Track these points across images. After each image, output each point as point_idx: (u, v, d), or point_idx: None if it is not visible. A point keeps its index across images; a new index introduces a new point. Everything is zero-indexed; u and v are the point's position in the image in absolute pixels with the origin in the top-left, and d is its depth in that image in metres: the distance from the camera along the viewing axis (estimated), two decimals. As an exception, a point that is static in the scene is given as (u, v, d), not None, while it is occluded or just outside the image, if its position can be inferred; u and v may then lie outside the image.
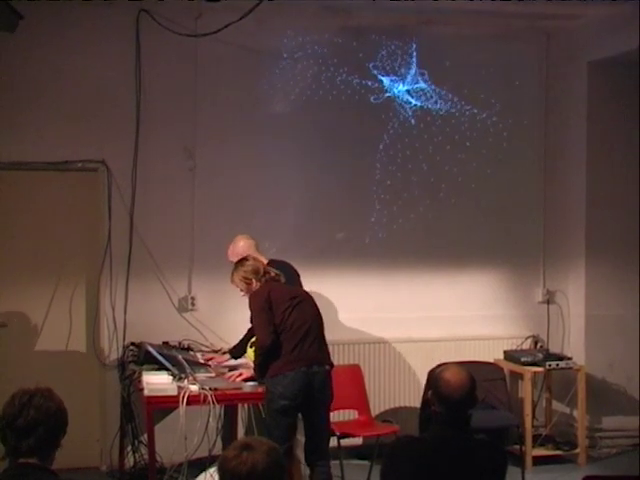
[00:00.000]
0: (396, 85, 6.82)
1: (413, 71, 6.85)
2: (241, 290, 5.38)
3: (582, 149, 7.08)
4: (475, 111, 7.00)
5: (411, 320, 6.86)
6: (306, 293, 5.43)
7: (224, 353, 6.05)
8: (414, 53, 6.83)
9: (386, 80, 6.80)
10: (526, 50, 7.17)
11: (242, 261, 5.41)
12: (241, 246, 5.90)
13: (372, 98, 6.78)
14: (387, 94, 6.82)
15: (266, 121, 6.63)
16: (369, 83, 6.78)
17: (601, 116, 7.05)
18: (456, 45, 6.90)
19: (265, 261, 5.67)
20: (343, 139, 6.81)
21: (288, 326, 5.12)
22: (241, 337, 5.87)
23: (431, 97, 6.91)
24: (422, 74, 6.88)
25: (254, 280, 5.29)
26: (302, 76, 6.67)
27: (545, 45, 7.16)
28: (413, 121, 6.88)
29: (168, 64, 6.43)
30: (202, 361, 5.87)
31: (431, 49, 6.86)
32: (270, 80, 6.60)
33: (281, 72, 6.62)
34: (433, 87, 6.90)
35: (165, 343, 6.15)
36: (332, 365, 5.28)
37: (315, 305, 5.33)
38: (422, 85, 6.88)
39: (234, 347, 5.92)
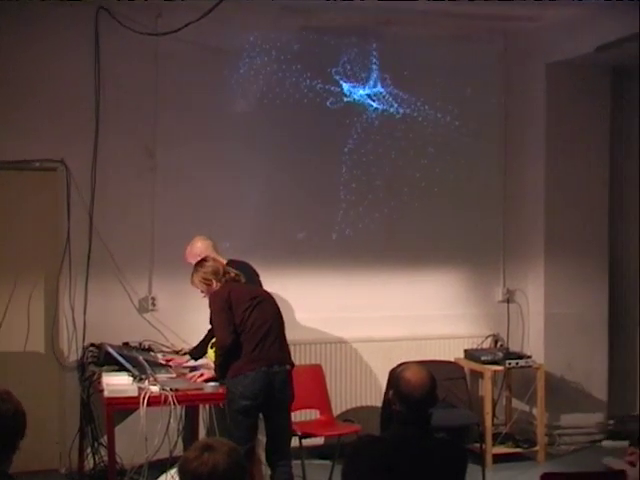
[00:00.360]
0: (357, 89, 6.85)
1: (374, 73, 6.88)
2: (201, 291, 5.37)
3: (541, 150, 7.14)
4: (436, 114, 7.05)
5: (372, 320, 6.87)
6: (266, 293, 5.43)
7: (184, 354, 6.03)
8: (374, 53, 6.87)
9: (346, 84, 6.82)
10: (485, 51, 7.20)
11: (201, 262, 5.40)
12: (199, 247, 5.88)
13: (334, 101, 6.80)
14: (348, 97, 6.84)
15: (228, 121, 6.61)
16: (331, 86, 6.80)
17: (559, 117, 7.11)
18: (416, 46, 6.93)
19: (224, 261, 5.66)
20: (306, 140, 6.81)
21: (248, 326, 5.11)
22: (202, 338, 5.85)
23: (392, 100, 6.95)
24: (383, 77, 6.92)
25: (214, 281, 5.28)
26: (264, 76, 6.67)
27: (503, 46, 7.21)
28: (376, 124, 6.92)
29: (128, 63, 6.37)
30: (162, 362, 5.85)
31: (391, 51, 6.90)
32: (232, 80, 6.59)
33: (243, 72, 6.61)
34: (394, 90, 6.94)
35: (125, 344, 6.12)
36: (293, 365, 5.29)
37: (276, 305, 5.34)
38: (383, 88, 6.91)
39: (194, 348, 5.91)
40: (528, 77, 7.20)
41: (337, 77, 6.82)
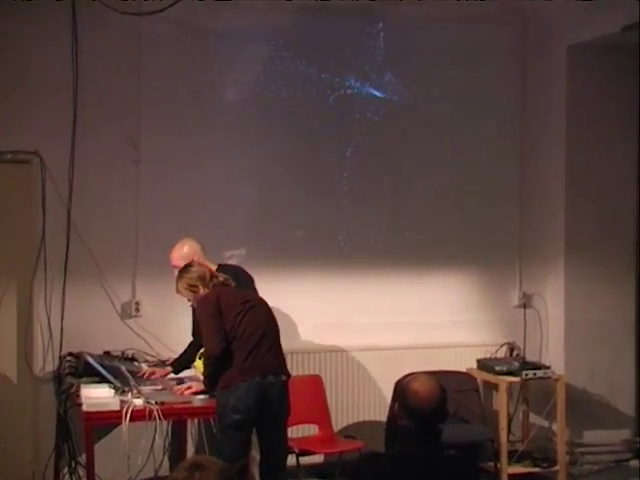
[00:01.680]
0: (360, 75, 6.83)
1: (379, 57, 6.88)
2: (188, 300, 5.34)
3: (561, 140, 7.14)
4: (445, 103, 7.05)
5: (376, 326, 6.86)
6: (259, 297, 5.43)
7: (168, 365, 5.96)
8: (381, 35, 6.83)
9: (349, 69, 6.80)
10: (500, 33, 7.22)
11: (186, 267, 5.39)
12: (186, 250, 5.83)
13: (335, 87, 6.80)
14: (350, 84, 6.83)
15: (218, 110, 6.61)
16: (331, 72, 6.80)
17: (581, 105, 7.11)
18: (425, 28, 6.96)
19: (214, 267, 5.66)
20: (303, 132, 6.82)
21: (240, 333, 5.09)
22: (185, 349, 5.82)
23: (398, 88, 6.94)
24: (389, 59, 6.92)
25: (201, 287, 5.27)
26: (258, 61, 6.68)
27: (521, 28, 7.21)
28: (380, 113, 6.93)
29: (109, 45, 6.35)
30: (145, 375, 5.84)
31: (399, 32, 6.90)
32: (222, 64, 6.60)
33: (234, 56, 6.60)
34: (400, 76, 6.93)
35: (106, 353, 6.11)
36: (289, 375, 5.27)
37: (269, 310, 5.32)
38: (389, 71, 6.91)
39: (176, 360, 5.88)
40: (547, 61, 7.20)
41: (338, 62, 6.80)
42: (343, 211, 6.90)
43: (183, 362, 5.80)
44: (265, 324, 5.18)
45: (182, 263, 5.57)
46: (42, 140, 6.19)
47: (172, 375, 5.84)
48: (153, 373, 5.87)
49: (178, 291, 5.35)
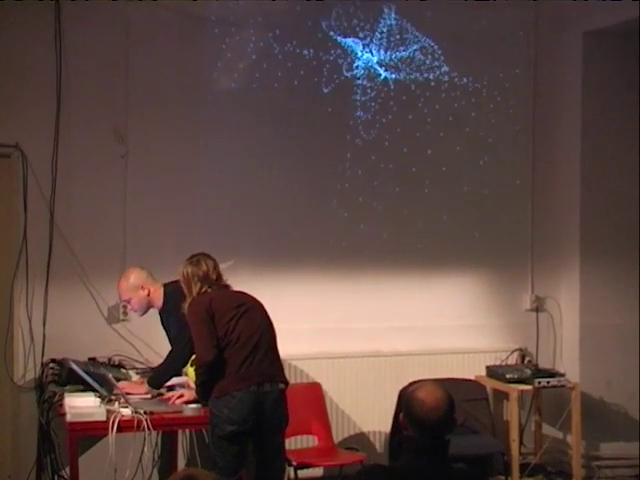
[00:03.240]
0: (363, 54, 6.84)
1: (385, 40, 6.87)
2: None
3: (576, 133, 7.16)
4: (453, 93, 7.06)
5: (379, 331, 6.88)
6: (254, 299, 5.39)
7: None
8: (392, 15, 6.83)
9: (351, 45, 6.81)
10: (513, 18, 7.23)
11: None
12: (132, 281, 5.84)
13: (334, 76, 6.81)
14: (352, 66, 6.83)
15: (210, 101, 6.61)
16: (330, 56, 6.80)
17: (598, 93, 7.14)
18: (432, 13, 6.95)
19: (160, 289, 5.78)
20: (301, 124, 6.82)
21: (234, 339, 5.09)
22: (161, 361, 5.71)
23: (404, 74, 6.94)
24: (396, 44, 6.91)
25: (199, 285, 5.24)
26: (252, 47, 6.67)
27: (534, 13, 7.23)
28: (385, 101, 6.93)
29: (95, 33, 6.35)
30: (135, 380, 5.83)
31: (406, 16, 6.90)
32: (214, 52, 6.59)
33: (227, 43, 6.61)
34: (406, 62, 6.94)
35: (92, 359, 6.10)
36: (287, 383, 5.26)
37: (265, 313, 5.31)
38: (394, 55, 6.91)
39: (151, 377, 5.65)
40: (562, 47, 7.23)
41: (338, 49, 6.81)
42: (345, 211, 6.90)
43: (160, 377, 5.59)
44: (261, 329, 5.18)
45: (132, 295, 5.74)
46: (23, 133, 6.18)
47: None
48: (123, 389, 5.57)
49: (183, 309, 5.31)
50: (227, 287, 5.35)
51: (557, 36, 7.21)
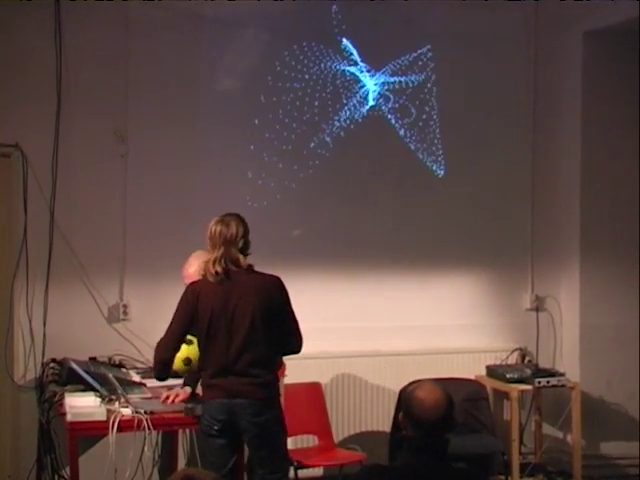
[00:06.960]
0: (360, 59, 6.87)
1: (380, 40, 6.89)
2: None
3: (576, 133, 7.15)
4: (452, 92, 7.07)
5: (379, 331, 6.88)
6: (254, 291, 4.91)
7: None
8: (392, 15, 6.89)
9: (349, 56, 6.83)
10: (511, 18, 7.23)
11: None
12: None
13: (333, 76, 6.81)
14: (349, 67, 6.84)
15: (211, 100, 6.61)
16: (329, 59, 6.80)
17: (598, 95, 7.12)
18: (431, 13, 6.96)
19: None
20: (300, 121, 6.80)
21: (213, 347, 4.84)
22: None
23: (400, 74, 6.94)
24: (390, 45, 6.94)
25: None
26: (254, 48, 6.67)
27: (534, 13, 7.24)
28: (380, 96, 6.93)
29: (95, 32, 6.34)
30: (136, 379, 5.81)
31: (400, 16, 6.91)
32: (216, 52, 6.59)
33: (227, 43, 6.61)
34: (401, 61, 6.94)
35: (92, 359, 6.09)
36: (273, 380, 4.94)
37: (263, 303, 4.90)
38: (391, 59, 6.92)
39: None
40: (562, 48, 7.21)
41: (338, 49, 6.82)
42: (345, 210, 6.91)
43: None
44: (250, 332, 4.82)
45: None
46: (23, 132, 6.18)
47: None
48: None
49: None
50: (250, 268, 4.93)
51: (557, 36, 7.20)
